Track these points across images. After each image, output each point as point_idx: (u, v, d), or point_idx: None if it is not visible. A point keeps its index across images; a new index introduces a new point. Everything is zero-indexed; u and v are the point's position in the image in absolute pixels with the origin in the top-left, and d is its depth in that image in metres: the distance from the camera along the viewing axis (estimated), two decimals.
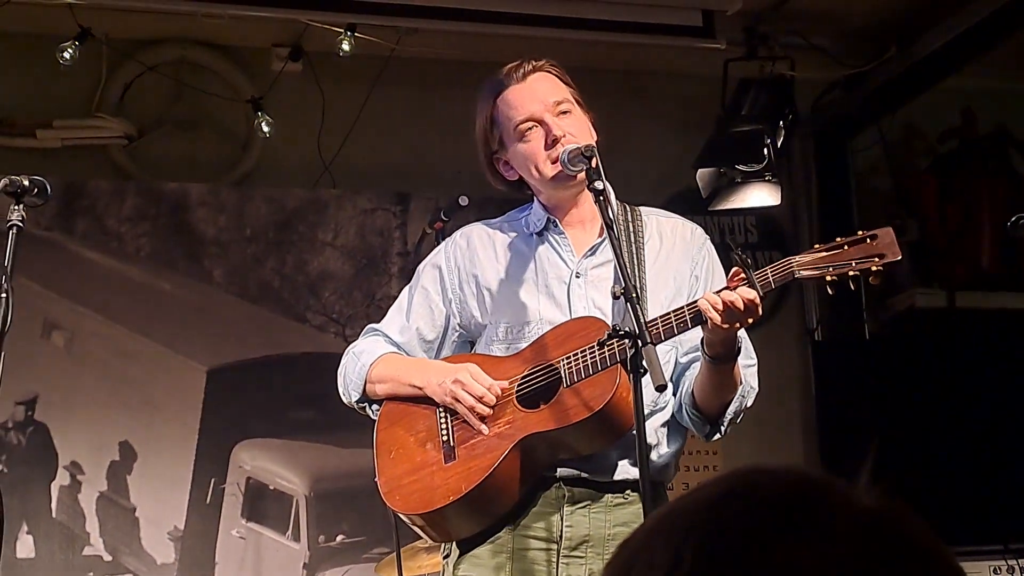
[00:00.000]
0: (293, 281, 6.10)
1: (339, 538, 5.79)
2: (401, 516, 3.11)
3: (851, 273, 2.79)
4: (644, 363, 2.68)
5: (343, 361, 3.28)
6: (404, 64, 6.30)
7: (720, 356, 2.92)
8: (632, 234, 3.19)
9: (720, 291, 2.80)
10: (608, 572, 0.94)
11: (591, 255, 3.16)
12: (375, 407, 3.21)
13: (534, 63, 3.16)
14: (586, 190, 3.01)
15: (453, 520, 3.04)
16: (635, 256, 3.15)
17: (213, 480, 5.80)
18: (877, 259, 2.78)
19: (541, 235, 3.21)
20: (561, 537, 2.99)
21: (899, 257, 2.77)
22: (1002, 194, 6.77)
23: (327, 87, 6.27)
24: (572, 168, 3.01)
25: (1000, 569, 5.71)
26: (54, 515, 5.63)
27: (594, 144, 3.03)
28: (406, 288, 3.35)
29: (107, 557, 5.65)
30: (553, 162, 3.06)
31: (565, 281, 3.13)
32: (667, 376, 2.85)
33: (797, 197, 6.92)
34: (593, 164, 2.94)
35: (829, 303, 6.63)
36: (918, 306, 6.62)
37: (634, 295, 2.76)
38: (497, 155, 3.20)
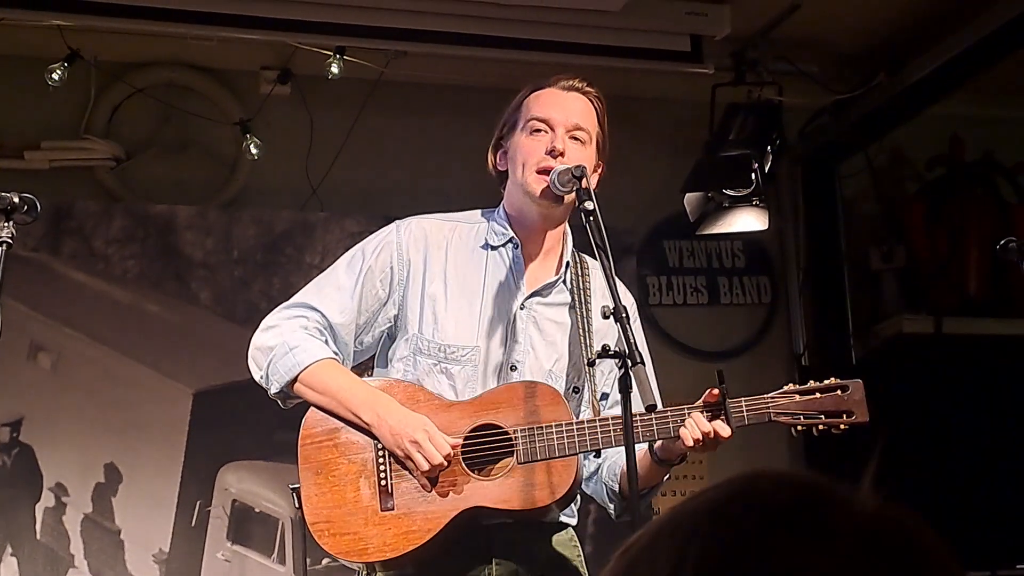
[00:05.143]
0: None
1: (324, 561, 5.74)
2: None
3: (820, 426, 2.99)
4: (633, 383, 2.70)
5: (269, 341, 3.18)
6: (393, 88, 6.30)
7: (670, 462, 3.05)
8: (580, 279, 3.19)
9: (693, 412, 2.92)
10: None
11: (542, 294, 3.14)
12: (291, 401, 3.14)
13: (583, 84, 3.18)
14: (556, 222, 3.11)
15: (380, 567, 3.03)
16: (584, 304, 3.14)
17: (198, 502, 5.77)
18: (845, 417, 3.00)
19: (496, 250, 3.16)
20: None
21: (866, 420, 3.00)
22: (989, 221, 6.78)
23: (315, 110, 6.28)
24: (560, 188, 2.99)
25: None
26: (38, 537, 5.60)
27: (585, 166, 3.00)
28: (344, 263, 3.23)
29: None
30: (539, 172, 3.05)
31: (510, 312, 3.10)
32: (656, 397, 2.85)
33: (784, 222, 6.93)
34: (583, 184, 2.93)
35: (816, 328, 6.64)
36: (905, 332, 6.61)
37: (624, 315, 2.76)
38: (502, 140, 3.21)
